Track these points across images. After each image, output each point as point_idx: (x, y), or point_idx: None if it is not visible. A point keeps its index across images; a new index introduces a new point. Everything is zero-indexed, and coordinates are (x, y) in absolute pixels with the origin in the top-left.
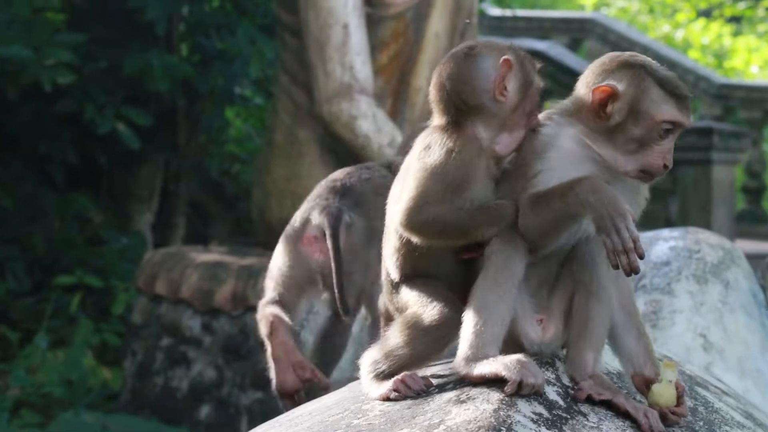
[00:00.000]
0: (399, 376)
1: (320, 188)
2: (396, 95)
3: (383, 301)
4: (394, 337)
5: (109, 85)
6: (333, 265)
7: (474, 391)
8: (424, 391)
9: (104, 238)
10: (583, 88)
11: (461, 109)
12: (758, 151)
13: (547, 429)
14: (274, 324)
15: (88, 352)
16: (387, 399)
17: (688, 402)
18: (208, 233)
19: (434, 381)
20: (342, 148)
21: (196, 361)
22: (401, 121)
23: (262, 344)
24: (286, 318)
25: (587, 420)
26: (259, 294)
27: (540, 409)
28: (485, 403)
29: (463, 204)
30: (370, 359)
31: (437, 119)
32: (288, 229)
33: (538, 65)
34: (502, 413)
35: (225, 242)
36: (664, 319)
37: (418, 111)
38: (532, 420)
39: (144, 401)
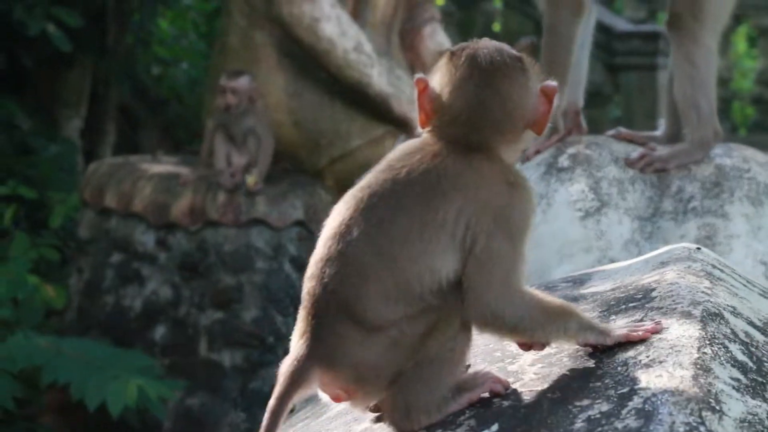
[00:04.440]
0: (481, 385)
1: None
2: None
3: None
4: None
5: None
6: None
7: (651, 352)
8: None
9: (33, 145)
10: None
11: (494, 129)
12: None
13: (752, 398)
14: None
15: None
16: (497, 395)
17: None
18: (138, 140)
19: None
20: (302, 53)
21: (150, 279)
22: (362, 23)
23: (222, 261)
24: None
25: None
26: (219, 209)
27: (735, 373)
28: (678, 368)
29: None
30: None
31: (446, 135)
32: None
33: None
34: (702, 381)
35: (172, 151)
36: (721, 244)
37: (379, 14)
38: (734, 387)
39: (92, 321)
